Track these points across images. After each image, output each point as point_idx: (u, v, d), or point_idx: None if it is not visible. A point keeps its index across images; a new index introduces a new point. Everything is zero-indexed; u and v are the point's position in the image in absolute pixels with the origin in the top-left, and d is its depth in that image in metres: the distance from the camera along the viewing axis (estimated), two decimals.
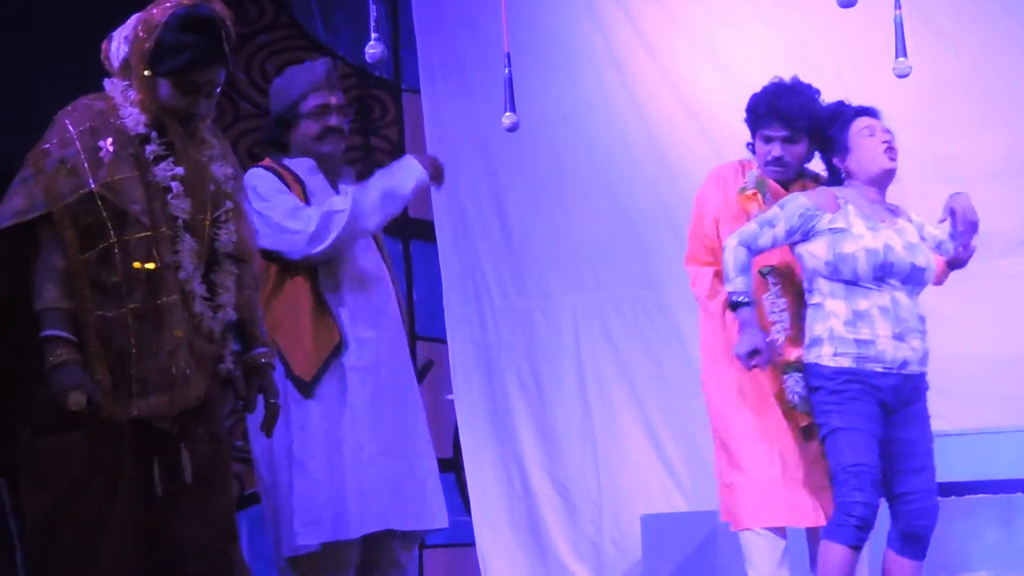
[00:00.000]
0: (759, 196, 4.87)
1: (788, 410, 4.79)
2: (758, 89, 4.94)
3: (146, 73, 3.81)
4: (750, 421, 4.84)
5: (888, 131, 4.80)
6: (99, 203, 3.72)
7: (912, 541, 4.69)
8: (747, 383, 4.83)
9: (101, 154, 3.74)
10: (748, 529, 4.83)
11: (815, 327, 4.71)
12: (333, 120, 4.78)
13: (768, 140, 4.89)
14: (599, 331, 7.06)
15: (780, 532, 4.82)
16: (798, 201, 4.75)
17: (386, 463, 4.63)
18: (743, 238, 4.75)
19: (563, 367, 7.08)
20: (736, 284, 4.73)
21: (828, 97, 4.90)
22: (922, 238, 4.79)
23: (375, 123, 7.41)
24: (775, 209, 4.76)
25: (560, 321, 7.11)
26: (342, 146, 4.86)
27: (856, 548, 4.60)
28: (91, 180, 3.71)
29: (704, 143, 6.51)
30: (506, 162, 7.17)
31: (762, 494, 4.80)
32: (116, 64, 3.89)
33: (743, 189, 4.90)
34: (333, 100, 4.79)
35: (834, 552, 4.60)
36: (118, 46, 3.88)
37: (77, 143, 3.74)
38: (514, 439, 7.07)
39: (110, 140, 3.76)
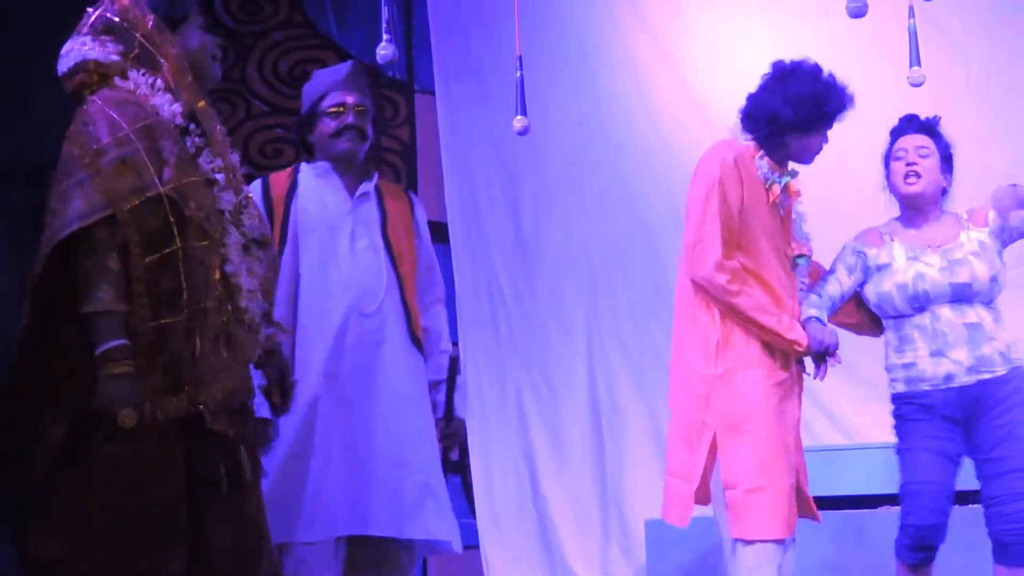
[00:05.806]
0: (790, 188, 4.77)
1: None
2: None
3: (169, 34, 3.74)
4: (774, 427, 4.60)
5: (924, 147, 4.82)
6: (166, 206, 3.56)
7: (999, 547, 4.70)
8: (766, 387, 4.62)
9: (165, 155, 3.58)
10: (771, 540, 4.55)
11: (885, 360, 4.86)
12: (349, 119, 4.80)
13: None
14: (611, 335, 7.07)
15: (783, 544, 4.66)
16: (848, 243, 4.88)
17: (369, 469, 4.63)
18: (813, 290, 4.82)
19: (574, 370, 7.08)
20: (806, 311, 4.70)
21: None
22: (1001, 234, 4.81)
23: (387, 123, 7.41)
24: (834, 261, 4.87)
25: (572, 324, 7.11)
26: (362, 145, 4.86)
27: (914, 567, 4.70)
28: (157, 182, 3.55)
29: None
30: (520, 165, 7.18)
31: (787, 502, 4.59)
32: (113, 58, 3.72)
33: (771, 183, 4.69)
34: (349, 99, 4.82)
35: (899, 570, 4.74)
36: (102, 49, 3.71)
37: (136, 142, 3.56)
38: (524, 442, 7.06)
39: (171, 141, 3.61)
